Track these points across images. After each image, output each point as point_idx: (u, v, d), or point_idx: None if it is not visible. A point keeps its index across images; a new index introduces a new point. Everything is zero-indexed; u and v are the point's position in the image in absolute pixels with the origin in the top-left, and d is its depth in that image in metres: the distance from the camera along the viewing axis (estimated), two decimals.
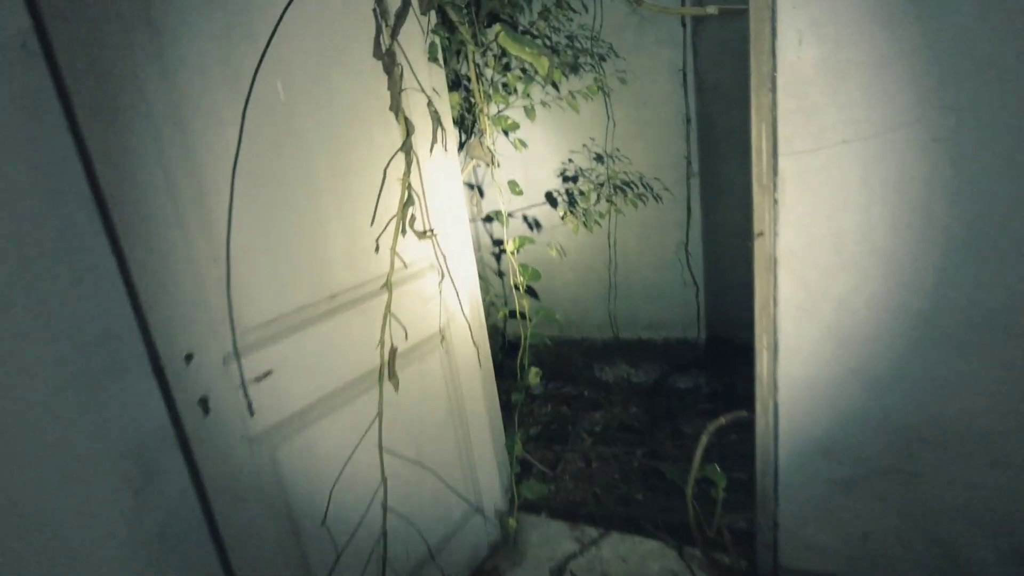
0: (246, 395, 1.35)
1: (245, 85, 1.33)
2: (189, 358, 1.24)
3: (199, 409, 1.26)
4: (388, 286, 1.68)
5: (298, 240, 1.48)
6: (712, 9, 1.87)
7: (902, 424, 1.58)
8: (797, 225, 1.55)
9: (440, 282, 1.90)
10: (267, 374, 1.41)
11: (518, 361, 2.41)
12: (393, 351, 1.69)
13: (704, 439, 1.93)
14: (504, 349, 3.70)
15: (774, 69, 1.46)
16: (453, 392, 2.02)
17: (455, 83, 2.53)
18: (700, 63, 3.06)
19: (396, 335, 1.73)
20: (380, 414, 1.69)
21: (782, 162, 1.51)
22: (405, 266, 1.78)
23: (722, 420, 1.92)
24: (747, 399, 1.83)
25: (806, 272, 1.57)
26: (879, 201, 1.46)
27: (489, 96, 2.47)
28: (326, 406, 1.57)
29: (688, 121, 3.14)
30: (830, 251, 1.53)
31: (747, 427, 1.90)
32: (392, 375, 1.69)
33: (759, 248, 1.60)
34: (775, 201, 1.55)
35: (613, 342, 3.77)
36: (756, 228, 1.59)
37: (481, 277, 2.34)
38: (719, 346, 3.55)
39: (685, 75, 3.04)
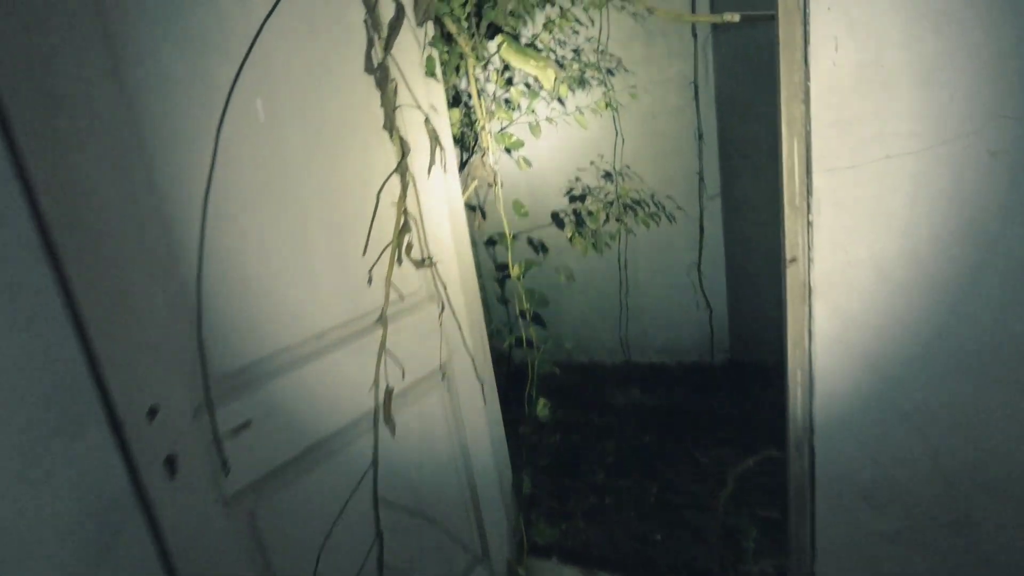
0: (220, 451, 1.20)
1: (219, 104, 1.19)
2: (153, 412, 1.09)
3: (164, 470, 1.11)
4: (383, 321, 1.53)
5: (281, 274, 1.33)
6: (731, 15, 1.74)
7: (958, 470, 1.41)
8: (834, 249, 1.39)
9: (440, 314, 1.75)
10: (245, 425, 1.25)
11: (526, 393, 2.25)
12: (389, 393, 1.54)
13: (731, 483, 1.76)
14: (510, 375, 3.54)
15: (807, 78, 1.31)
16: (456, 432, 1.86)
17: (455, 99, 2.40)
18: (714, 74, 2.92)
19: (392, 374, 1.58)
20: (375, 463, 1.54)
21: (817, 180, 1.36)
22: (402, 298, 1.63)
23: (750, 462, 1.76)
24: (768, 425, 1.67)
25: (845, 301, 1.42)
26: (927, 222, 1.31)
27: (491, 112, 2.34)
28: (314, 457, 1.41)
29: (700, 136, 3.00)
30: (872, 278, 1.38)
31: (773, 460, 1.74)
32: (388, 419, 1.53)
33: (792, 275, 1.44)
34: (809, 223, 1.39)
35: (625, 366, 3.61)
36: (788, 253, 1.44)
37: (484, 304, 2.20)
38: (737, 370, 3.39)
39: (697, 87, 2.91)
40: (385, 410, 1.53)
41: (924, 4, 1.19)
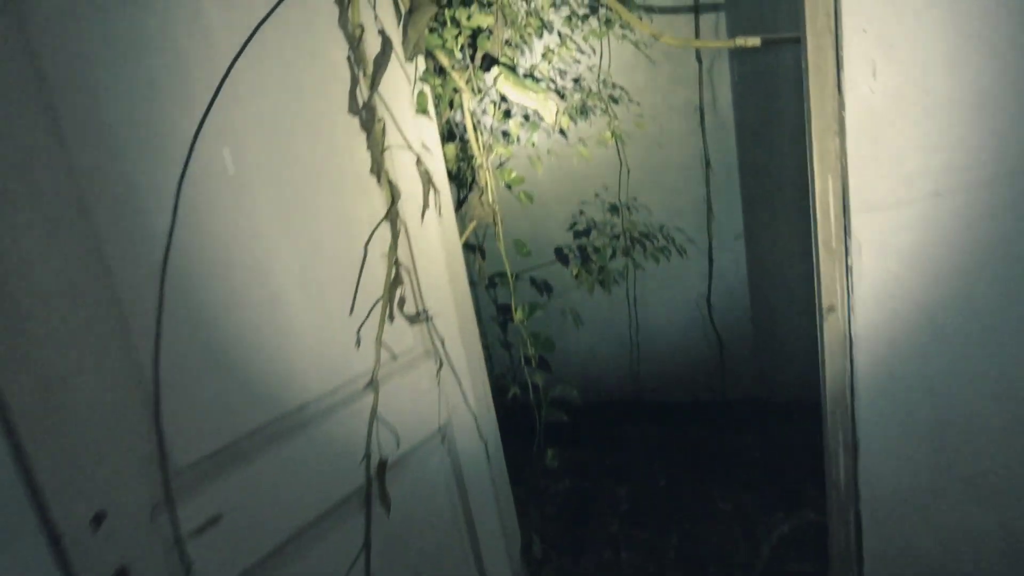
0: (183, 555, 1.04)
1: (180, 157, 1.05)
2: (99, 520, 0.93)
3: None
4: (374, 386, 1.38)
5: (255, 344, 1.18)
6: (744, 40, 1.61)
7: None
8: (877, 298, 1.24)
9: (438, 371, 1.59)
10: (214, 520, 1.09)
11: (534, 446, 2.09)
12: (382, 466, 1.37)
13: (766, 551, 1.59)
14: (514, 411, 3.36)
15: (841, 107, 1.17)
16: (458, 498, 1.69)
17: (449, 133, 2.27)
18: (733, 104, 2.77)
19: (386, 442, 1.42)
20: (367, 545, 1.37)
21: (856, 221, 1.21)
22: (394, 358, 1.47)
23: (784, 528, 1.58)
24: (793, 468, 1.50)
25: (890, 355, 1.26)
26: (985, 266, 1.15)
27: (489, 147, 2.21)
28: (297, 546, 1.24)
29: (708, 164, 2.86)
30: (922, 329, 1.22)
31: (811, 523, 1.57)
32: (382, 496, 1.37)
33: (830, 327, 1.29)
34: (848, 269, 1.24)
35: (636, 404, 3.43)
36: (825, 302, 1.28)
37: (485, 349, 2.04)
38: (755, 407, 3.21)
39: (703, 113, 2.78)
40: (379, 486, 1.37)
41: (973, 22, 1.05)
